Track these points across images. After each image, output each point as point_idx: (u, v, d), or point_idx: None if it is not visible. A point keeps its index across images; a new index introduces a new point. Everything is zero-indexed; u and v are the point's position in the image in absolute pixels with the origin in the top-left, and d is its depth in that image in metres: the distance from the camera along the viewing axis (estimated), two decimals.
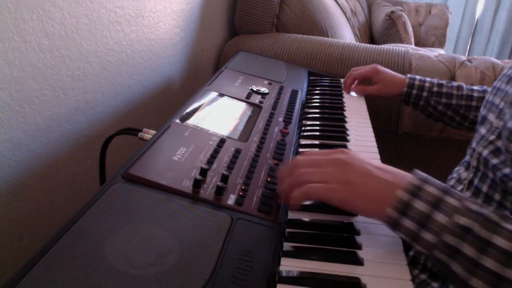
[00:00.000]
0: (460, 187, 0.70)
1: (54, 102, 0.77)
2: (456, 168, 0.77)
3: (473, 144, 0.71)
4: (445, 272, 0.46)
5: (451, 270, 0.45)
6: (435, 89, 0.95)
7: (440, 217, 0.45)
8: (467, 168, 0.71)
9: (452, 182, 0.74)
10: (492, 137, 0.66)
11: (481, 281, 0.42)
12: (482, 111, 0.72)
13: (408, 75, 0.99)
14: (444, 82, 0.96)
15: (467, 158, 0.73)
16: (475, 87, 0.94)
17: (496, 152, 0.63)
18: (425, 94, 0.96)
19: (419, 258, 0.66)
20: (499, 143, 0.63)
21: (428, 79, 0.98)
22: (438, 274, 0.62)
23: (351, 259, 0.49)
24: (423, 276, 0.64)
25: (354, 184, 0.50)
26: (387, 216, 0.48)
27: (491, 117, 0.68)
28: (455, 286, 0.60)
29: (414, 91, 0.97)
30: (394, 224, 0.48)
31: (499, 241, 0.42)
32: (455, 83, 0.96)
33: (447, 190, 0.47)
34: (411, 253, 0.67)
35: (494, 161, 0.62)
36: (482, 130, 0.69)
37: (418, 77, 0.99)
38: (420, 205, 0.46)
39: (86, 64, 0.83)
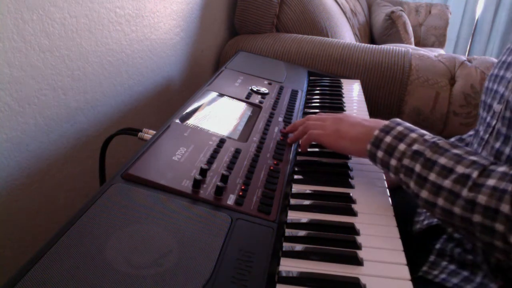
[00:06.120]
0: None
1: (54, 102, 0.77)
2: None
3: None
4: (408, 191, 0.57)
5: (409, 188, 0.56)
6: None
7: (401, 147, 0.57)
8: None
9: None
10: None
11: (427, 192, 0.53)
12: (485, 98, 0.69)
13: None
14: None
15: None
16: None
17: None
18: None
19: (445, 250, 0.66)
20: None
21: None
22: (466, 263, 0.63)
23: (351, 259, 0.49)
24: (452, 267, 0.64)
25: (342, 131, 0.65)
26: (367, 151, 0.61)
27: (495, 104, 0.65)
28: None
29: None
30: (372, 156, 0.61)
31: (442, 160, 0.53)
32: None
33: (413, 129, 0.59)
34: (437, 246, 0.67)
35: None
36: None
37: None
38: (388, 139, 0.59)
39: (86, 64, 0.83)
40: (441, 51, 2.30)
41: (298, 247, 0.51)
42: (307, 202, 0.60)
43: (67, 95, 0.79)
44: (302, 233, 0.54)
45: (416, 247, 0.59)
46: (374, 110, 1.22)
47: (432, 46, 2.56)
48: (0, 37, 0.63)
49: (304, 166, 0.70)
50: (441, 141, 0.56)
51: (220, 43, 1.48)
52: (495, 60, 1.23)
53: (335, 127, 0.67)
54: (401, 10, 2.26)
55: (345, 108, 0.96)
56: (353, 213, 0.58)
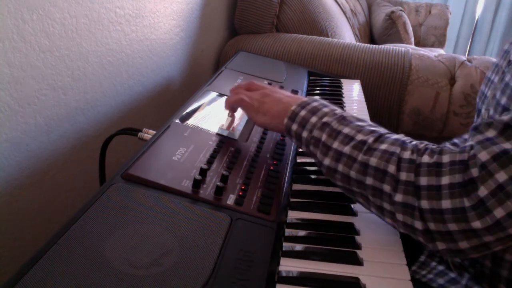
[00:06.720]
0: None
1: (54, 102, 0.77)
2: None
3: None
4: (316, 163, 0.59)
5: (316, 158, 0.58)
6: None
7: (313, 119, 0.59)
8: None
9: None
10: None
11: (329, 159, 0.55)
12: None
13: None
14: None
15: None
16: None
17: None
18: None
19: (435, 251, 0.67)
20: None
21: None
22: (454, 265, 0.63)
23: (350, 259, 0.49)
24: (440, 267, 0.65)
25: (265, 107, 0.66)
26: (284, 125, 0.62)
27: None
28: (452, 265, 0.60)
29: None
30: (288, 130, 0.62)
31: (346, 130, 0.56)
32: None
33: (327, 105, 0.62)
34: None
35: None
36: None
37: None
38: (303, 113, 0.61)
39: (86, 64, 0.83)
40: (441, 51, 2.30)
41: (298, 247, 0.51)
42: (307, 202, 0.60)
43: (67, 95, 0.79)
44: (302, 233, 0.54)
45: (407, 247, 0.59)
46: (374, 110, 1.23)
47: (432, 46, 2.56)
48: (0, 37, 0.63)
49: (304, 166, 0.70)
50: (348, 115, 0.59)
51: (220, 43, 1.48)
52: (495, 60, 1.24)
53: (260, 102, 0.68)
54: (401, 10, 2.26)
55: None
56: (353, 213, 0.58)
